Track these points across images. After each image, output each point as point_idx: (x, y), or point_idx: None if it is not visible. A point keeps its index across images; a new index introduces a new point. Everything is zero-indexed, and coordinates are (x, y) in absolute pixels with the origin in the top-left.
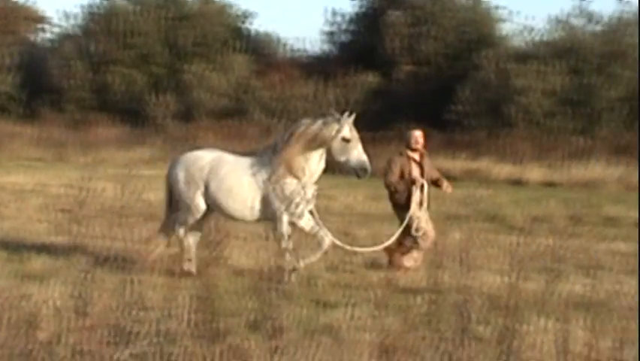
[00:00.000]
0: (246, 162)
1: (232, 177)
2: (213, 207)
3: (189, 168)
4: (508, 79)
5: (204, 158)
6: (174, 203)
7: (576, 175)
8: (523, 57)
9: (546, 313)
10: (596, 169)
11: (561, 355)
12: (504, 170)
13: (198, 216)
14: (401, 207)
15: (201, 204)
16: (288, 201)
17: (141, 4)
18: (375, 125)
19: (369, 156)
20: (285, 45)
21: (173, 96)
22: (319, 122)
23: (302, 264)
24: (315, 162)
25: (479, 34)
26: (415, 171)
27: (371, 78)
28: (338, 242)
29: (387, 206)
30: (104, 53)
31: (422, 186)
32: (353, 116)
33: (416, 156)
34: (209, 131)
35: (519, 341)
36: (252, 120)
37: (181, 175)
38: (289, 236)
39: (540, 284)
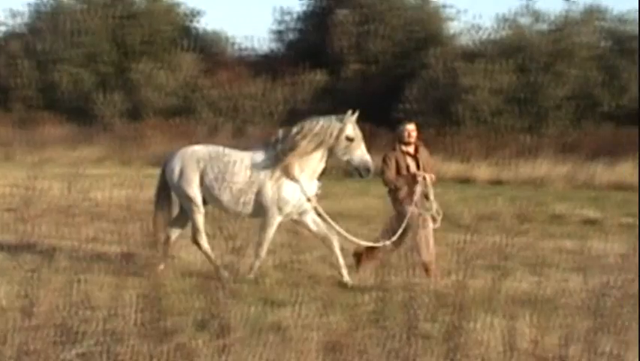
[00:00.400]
0: (244, 156)
1: (229, 170)
2: (208, 199)
3: (186, 160)
4: (456, 77)
5: (202, 150)
6: (165, 198)
7: (523, 173)
8: (470, 56)
9: (493, 311)
10: (542, 167)
11: (507, 352)
12: (452, 168)
13: (199, 204)
14: (402, 203)
15: (198, 196)
16: (284, 202)
17: (88, 2)
18: None
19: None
20: (233, 44)
21: (120, 95)
22: (322, 121)
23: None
24: (315, 161)
25: (427, 32)
26: (412, 166)
27: (319, 77)
28: (349, 235)
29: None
30: (51, 51)
31: (424, 179)
32: (356, 115)
33: (411, 149)
34: (157, 129)
35: (465, 338)
36: (200, 119)
37: (177, 168)
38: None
39: (487, 282)
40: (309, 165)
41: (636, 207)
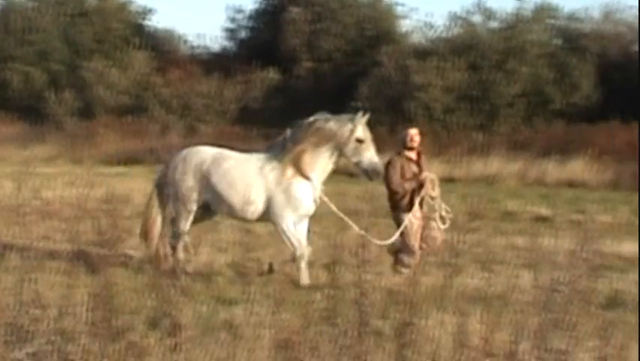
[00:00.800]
0: (251, 158)
1: (236, 172)
2: (212, 202)
3: (189, 161)
4: (408, 75)
5: (207, 151)
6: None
7: (475, 171)
8: (422, 54)
9: (444, 307)
10: (494, 165)
11: (458, 348)
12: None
13: (194, 208)
14: (402, 209)
15: (197, 197)
16: (297, 201)
17: (39, 0)
18: (275, 121)
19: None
20: (185, 42)
21: (72, 93)
22: (332, 121)
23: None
24: (325, 161)
25: (379, 30)
26: (416, 171)
27: (271, 75)
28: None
29: None
30: (1, 49)
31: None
32: (367, 116)
33: (413, 155)
34: (108, 128)
35: (416, 334)
36: (152, 117)
37: (180, 168)
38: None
39: (439, 279)
40: (319, 164)
41: (586, 204)
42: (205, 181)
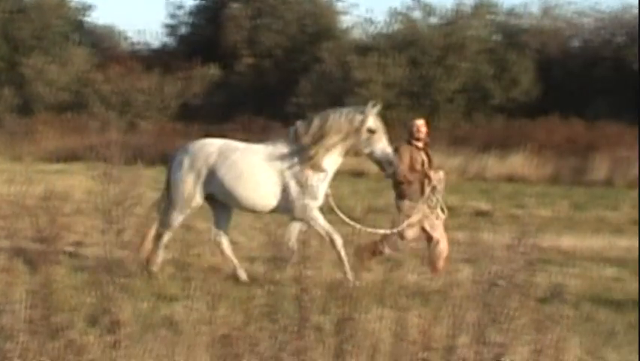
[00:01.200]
0: (260, 149)
1: (244, 163)
2: (220, 195)
3: (196, 154)
4: (349, 71)
5: (213, 144)
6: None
7: None
8: (363, 50)
9: (384, 302)
10: (435, 160)
11: (397, 342)
12: (345, 162)
13: (195, 204)
14: (407, 198)
15: (198, 197)
16: (316, 190)
17: None
18: (216, 117)
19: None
20: (125, 38)
21: (11, 90)
22: (343, 113)
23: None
24: (336, 154)
25: (320, 26)
26: (426, 161)
27: (212, 71)
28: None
29: None
30: None
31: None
32: (378, 107)
33: (420, 145)
34: (48, 125)
35: (356, 329)
36: (92, 114)
37: (185, 162)
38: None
39: (378, 274)
40: (331, 157)
41: (525, 199)
42: (212, 175)
